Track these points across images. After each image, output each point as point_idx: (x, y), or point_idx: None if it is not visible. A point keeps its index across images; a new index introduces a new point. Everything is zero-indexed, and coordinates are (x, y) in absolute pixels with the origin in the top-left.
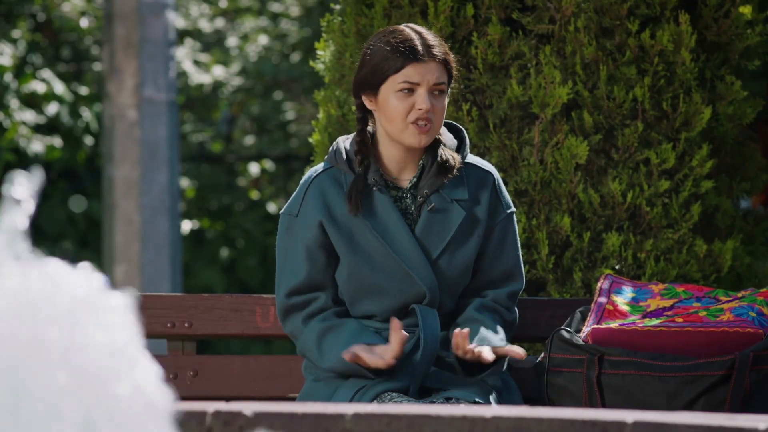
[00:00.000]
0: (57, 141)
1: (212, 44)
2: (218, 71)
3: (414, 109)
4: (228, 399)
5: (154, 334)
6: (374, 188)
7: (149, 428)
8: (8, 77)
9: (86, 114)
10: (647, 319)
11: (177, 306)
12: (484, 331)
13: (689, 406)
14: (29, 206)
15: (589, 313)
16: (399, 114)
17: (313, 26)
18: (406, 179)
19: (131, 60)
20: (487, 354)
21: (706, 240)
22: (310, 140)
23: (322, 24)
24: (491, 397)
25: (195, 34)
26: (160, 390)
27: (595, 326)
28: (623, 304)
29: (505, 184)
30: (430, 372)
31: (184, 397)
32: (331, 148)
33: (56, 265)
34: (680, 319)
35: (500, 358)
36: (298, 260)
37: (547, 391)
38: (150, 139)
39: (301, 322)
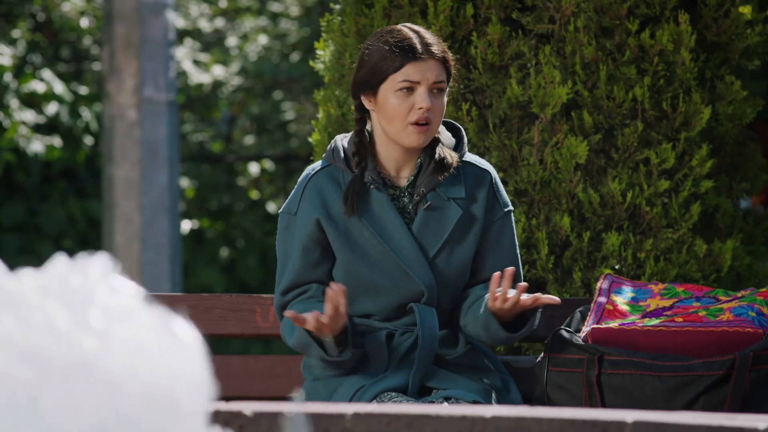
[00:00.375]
0: (57, 141)
1: (212, 44)
2: (218, 71)
3: (414, 108)
4: (228, 399)
5: None
6: (371, 186)
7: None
8: (8, 77)
9: (86, 114)
10: (647, 319)
11: (177, 306)
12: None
13: (689, 406)
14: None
15: (589, 313)
16: (399, 114)
17: (313, 26)
18: (404, 177)
19: (131, 60)
20: (527, 300)
21: (705, 240)
22: (310, 140)
23: (322, 24)
24: (491, 397)
25: (195, 33)
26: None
27: (595, 326)
28: (623, 304)
29: (505, 183)
30: (430, 371)
31: None
32: (329, 147)
33: (95, 269)
34: (680, 319)
35: (535, 309)
36: (297, 258)
37: (547, 391)
38: (150, 139)
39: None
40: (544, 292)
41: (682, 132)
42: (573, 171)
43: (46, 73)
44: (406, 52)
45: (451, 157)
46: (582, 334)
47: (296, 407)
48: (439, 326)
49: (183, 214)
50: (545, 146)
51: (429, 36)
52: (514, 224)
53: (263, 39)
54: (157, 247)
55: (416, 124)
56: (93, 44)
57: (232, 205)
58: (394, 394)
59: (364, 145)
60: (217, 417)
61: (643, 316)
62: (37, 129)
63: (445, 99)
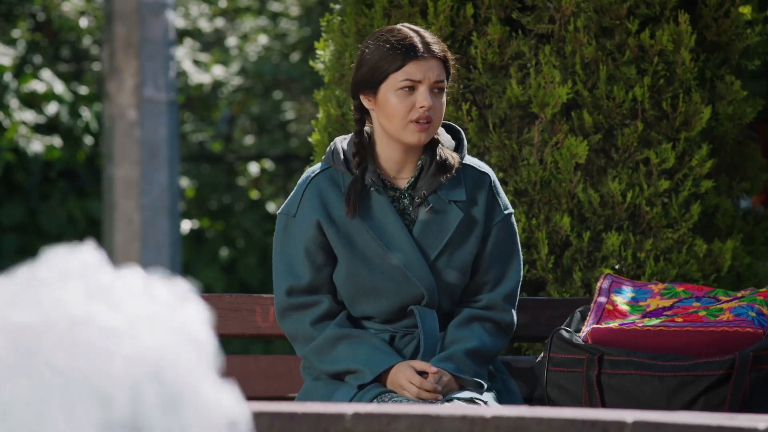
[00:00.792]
0: (57, 141)
1: (212, 44)
2: (218, 71)
3: (415, 107)
4: None
5: None
6: (372, 189)
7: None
8: (8, 77)
9: (86, 114)
10: (647, 319)
11: None
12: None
13: (689, 406)
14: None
15: (589, 313)
16: (400, 113)
17: (313, 26)
18: (404, 179)
19: (131, 60)
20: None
21: (705, 240)
22: (310, 140)
23: (322, 24)
24: (491, 397)
25: (195, 33)
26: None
27: (595, 326)
28: (623, 304)
29: (505, 183)
30: None
31: None
32: (328, 149)
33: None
34: (680, 319)
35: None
36: (298, 260)
37: (547, 391)
38: (150, 139)
39: (310, 325)
40: (545, 292)
41: (682, 132)
42: (573, 171)
43: (46, 73)
44: (408, 51)
45: (453, 158)
46: (582, 334)
47: None
48: (440, 328)
49: (183, 214)
50: (545, 146)
51: (429, 35)
52: (515, 226)
53: (263, 39)
54: (157, 247)
55: (417, 122)
56: (93, 44)
57: (232, 205)
58: (394, 394)
59: (364, 145)
60: None
61: (643, 316)
62: (37, 129)
63: (445, 99)
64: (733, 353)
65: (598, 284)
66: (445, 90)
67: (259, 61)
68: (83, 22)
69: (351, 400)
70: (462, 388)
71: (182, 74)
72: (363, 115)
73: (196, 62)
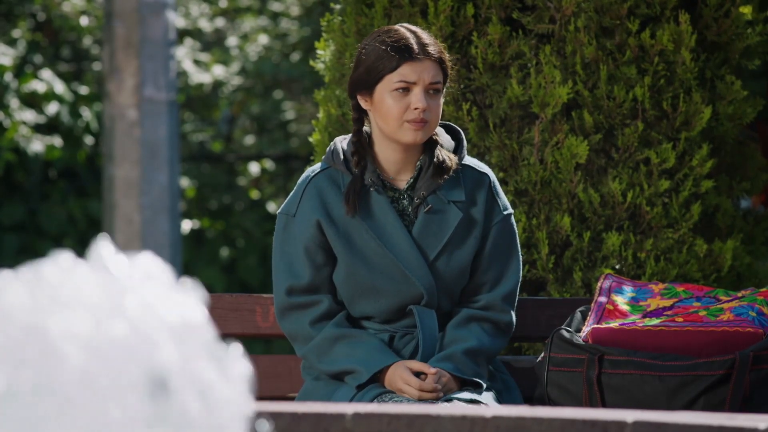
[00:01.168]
0: (57, 141)
1: (212, 44)
2: (218, 71)
3: (410, 108)
4: None
5: None
6: (371, 189)
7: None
8: (8, 77)
9: (86, 114)
10: (647, 319)
11: None
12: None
13: (689, 406)
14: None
15: (589, 313)
16: (394, 114)
17: (313, 26)
18: (404, 180)
19: (131, 59)
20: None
21: (706, 240)
22: (310, 140)
23: (322, 23)
24: (491, 397)
25: (195, 33)
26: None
27: (596, 326)
28: (623, 304)
29: (506, 183)
30: None
31: None
32: (328, 149)
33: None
34: (680, 319)
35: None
36: (298, 260)
37: (547, 391)
38: (150, 139)
39: (309, 325)
40: (545, 292)
41: (683, 132)
42: (573, 171)
43: (47, 73)
44: (403, 52)
45: (450, 159)
46: (582, 334)
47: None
48: (439, 328)
49: (183, 213)
50: (545, 146)
51: (426, 36)
52: (515, 227)
53: (263, 39)
54: (157, 247)
55: (412, 121)
56: (93, 44)
57: (232, 205)
58: (394, 394)
59: (363, 145)
60: None
61: (644, 316)
62: (38, 129)
63: (442, 100)
64: (734, 353)
65: (599, 284)
66: (442, 91)
67: (260, 61)
68: (83, 22)
69: (351, 400)
70: (461, 388)
71: (182, 74)
72: (361, 114)
73: (197, 62)
